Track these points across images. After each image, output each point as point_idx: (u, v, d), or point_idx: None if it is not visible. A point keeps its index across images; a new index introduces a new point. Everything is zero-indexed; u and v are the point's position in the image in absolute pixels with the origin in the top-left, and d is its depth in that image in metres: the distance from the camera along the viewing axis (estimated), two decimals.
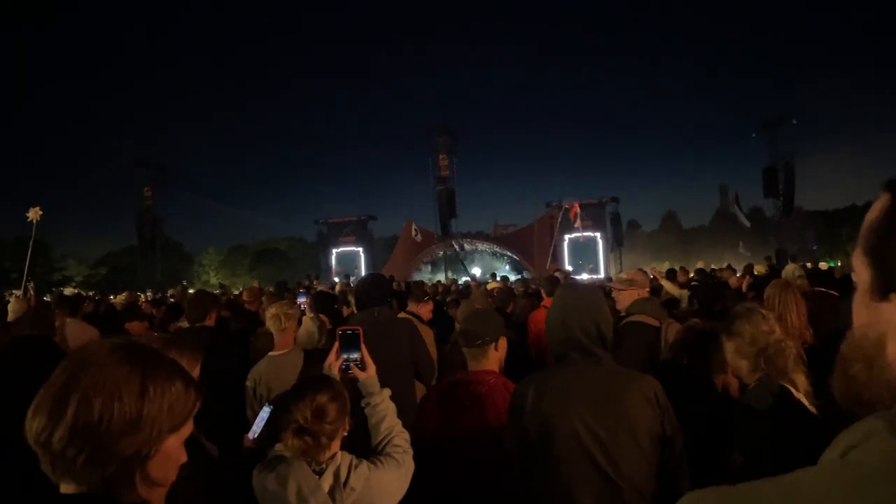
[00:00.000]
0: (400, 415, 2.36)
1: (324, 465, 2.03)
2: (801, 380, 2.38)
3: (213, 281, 49.08)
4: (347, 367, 2.36)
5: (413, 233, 30.47)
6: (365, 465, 2.10)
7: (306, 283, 15.38)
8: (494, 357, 2.80)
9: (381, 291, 4.27)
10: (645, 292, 4.39)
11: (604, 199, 33.14)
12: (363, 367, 2.38)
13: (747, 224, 25.11)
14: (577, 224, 23.89)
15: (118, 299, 13.61)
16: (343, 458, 2.07)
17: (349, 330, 2.40)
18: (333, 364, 2.38)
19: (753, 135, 31.04)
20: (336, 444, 2.07)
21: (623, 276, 4.70)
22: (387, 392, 2.40)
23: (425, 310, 5.83)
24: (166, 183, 32.94)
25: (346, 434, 2.11)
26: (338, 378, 2.30)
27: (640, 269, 5.79)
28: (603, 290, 3.84)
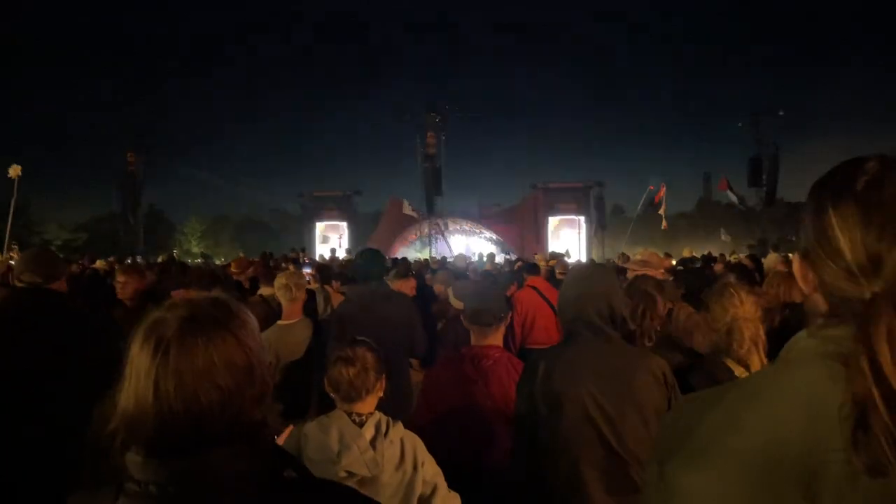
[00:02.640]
0: (394, 388, 2.42)
1: (364, 418, 2.10)
2: (755, 360, 2.48)
3: (195, 250, 48.65)
4: None
5: (408, 209, 30.24)
6: (401, 424, 2.17)
7: (293, 255, 15.34)
8: (500, 333, 2.88)
9: (379, 267, 4.33)
10: (660, 273, 4.44)
11: (589, 183, 33.24)
12: None
13: (740, 206, 25.17)
14: (662, 211, 22.74)
15: (99, 265, 13.48)
16: (381, 416, 2.15)
17: None
18: None
19: (740, 124, 31.24)
20: (373, 401, 2.16)
21: (638, 257, 4.78)
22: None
23: (408, 286, 5.89)
24: (150, 149, 32.44)
25: (381, 395, 2.19)
26: None
27: (654, 252, 5.86)
28: (617, 270, 3.92)
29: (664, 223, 21.27)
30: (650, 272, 4.41)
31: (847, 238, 0.76)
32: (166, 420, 0.99)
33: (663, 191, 20.82)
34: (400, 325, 4.01)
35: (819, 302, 0.84)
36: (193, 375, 1.00)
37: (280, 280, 3.89)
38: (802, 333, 0.83)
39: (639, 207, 22.02)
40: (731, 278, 4.35)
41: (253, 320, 1.13)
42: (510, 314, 2.93)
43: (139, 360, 1.02)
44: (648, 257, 4.77)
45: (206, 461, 0.98)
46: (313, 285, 5.21)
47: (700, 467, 0.77)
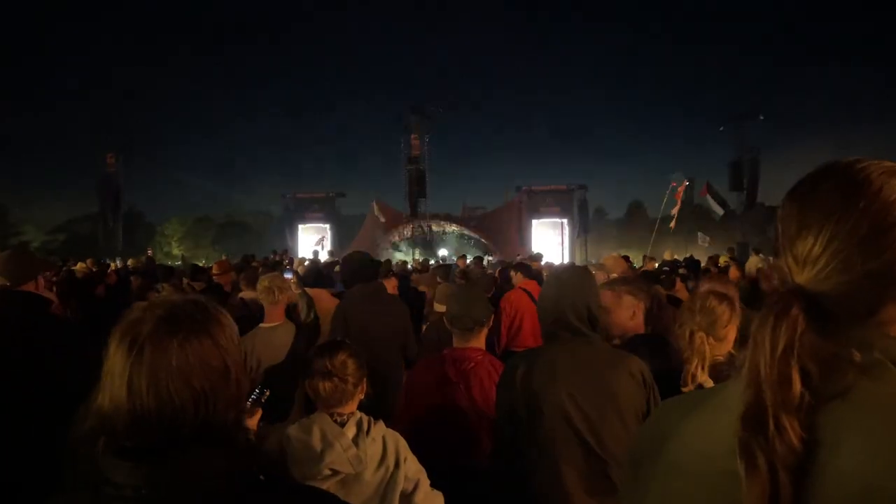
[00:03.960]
0: (388, 388, 2.43)
1: (345, 418, 2.11)
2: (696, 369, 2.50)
3: (176, 252, 48.19)
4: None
5: (376, 213, 30.28)
6: (382, 423, 2.19)
7: (275, 258, 15.23)
8: (482, 336, 2.89)
9: (371, 270, 4.44)
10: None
11: (572, 186, 33.46)
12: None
13: (720, 211, 25.20)
14: (675, 210, 22.43)
15: (79, 267, 13.31)
16: (363, 415, 2.17)
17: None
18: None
19: (721, 129, 31.59)
20: (355, 402, 2.18)
21: (600, 262, 4.94)
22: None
23: (389, 286, 5.94)
24: (129, 150, 32.15)
25: (362, 398, 2.20)
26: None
27: (615, 256, 5.96)
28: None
29: (673, 223, 20.95)
30: (601, 276, 4.54)
31: (782, 236, 0.80)
32: (139, 418, 0.99)
33: (683, 189, 20.29)
34: (399, 329, 4.23)
35: None
36: (167, 374, 1.01)
37: (262, 283, 3.87)
38: None
39: (662, 206, 21.65)
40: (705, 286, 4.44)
41: (232, 323, 1.13)
42: (492, 318, 2.94)
43: (115, 358, 1.03)
44: (606, 261, 4.97)
45: (180, 464, 0.98)
46: (295, 290, 5.19)
47: (657, 472, 0.82)
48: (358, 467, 2.02)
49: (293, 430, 2.08)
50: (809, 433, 0.68)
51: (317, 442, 2.01)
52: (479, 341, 2.87)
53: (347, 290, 4.57)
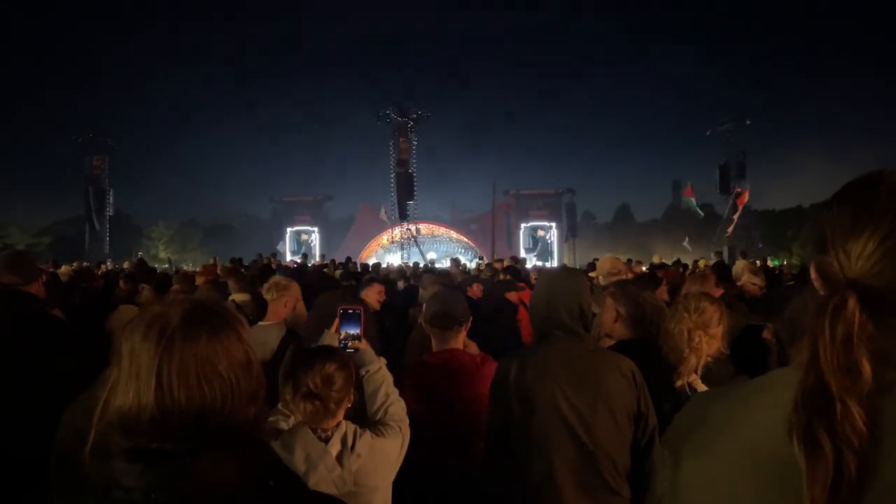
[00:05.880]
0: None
1: (330, 433, 2.04)
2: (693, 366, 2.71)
3: (163, 255, 47.83)
4: (346, 345, 2.41)
5: (382, 216, 30.19)
6: (369, 433, 2.13)
7: (263, 261, 15.16)
8: (461, 337, 2.90)
9: (333, 280, 4.55)
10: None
11: (560, 190, 33.67)
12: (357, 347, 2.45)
13: (700, 214, 25.40)
14: (739, 209, 22.43)
15: (63, 270, 13.17)
16: (348, 427, 2.09)
17: (350, 309, 2.48)
18: (332, 337, 2.44)
19: (708, 132, 31.87)
20: (341, 414, 2.10)
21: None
22: (383, 361, 2.45)
23: (374, 292, 5.95)
24: (115, 151, 31.93)
25: (349, 406, 2.13)
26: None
27: (614, 258, 6.08)
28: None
29: (731, 228, 21.10)
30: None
31: (830, 235, 0.84)
32: (167, 414, 0.99)
33: (746, 194, 20.37)
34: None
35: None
36: (197, 364, 1.01)
37: (269, 280, 4.03)
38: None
39: (726, 212, 21.64)
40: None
41: (245, 322, 1.16)
42: (471, 318, 2.95)
43: (141, 352, 1.02)
44: (600, 263, 5.32)
45: (191, 469, 0.98)
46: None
47: (700, 460, 0.87)
48: (343, 488, 1.97)
49: (276, 448, 1.97)
50: (871, 419, 0.71)
51: (300, 463, 1.94)
52: (458, 342, 2.87)
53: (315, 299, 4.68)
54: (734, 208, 21.52)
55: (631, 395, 2.26)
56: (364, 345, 2.46)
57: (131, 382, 1.01)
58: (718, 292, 4.28)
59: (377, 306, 6.02)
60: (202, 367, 1.02)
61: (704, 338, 2.66)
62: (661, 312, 3.75)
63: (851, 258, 0.80)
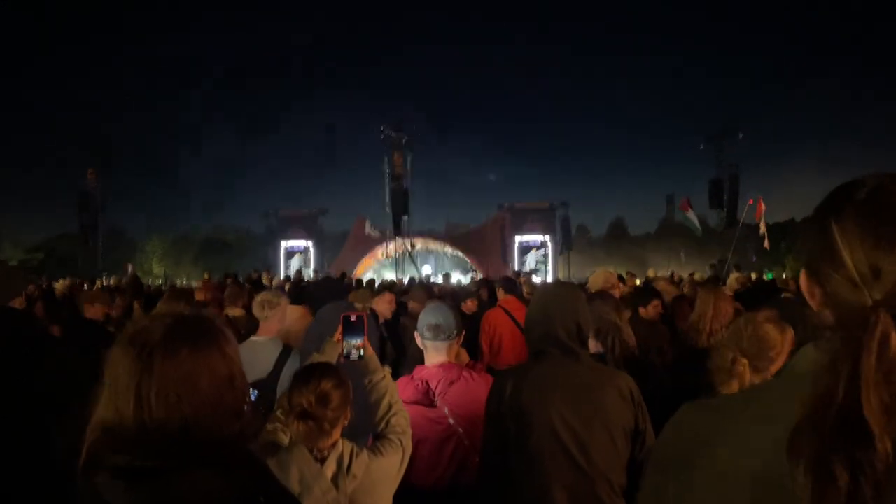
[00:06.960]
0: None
1: (326, 453, 2.00)
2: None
3: (157, 270, 47.62)
4: (349, 355, 2.38)
5: (367, 229, 30.25)
6: (366, 453, 2.09)
7: (255, 276, 15.12)
8: (454, 351, 2.87)
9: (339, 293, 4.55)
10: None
11: (554, 203, 33.72)
12: (363, 354, 2.41)
13: (699, 228, 25.29)
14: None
15: (59, 285, 13.13)
16: (345, 446, 2.05)
17: (353, 316, 2.43)
18: (334, 345, 2.43)
19: (701, 146, 31.95)
20: (337, 432, 2.06)
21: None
22: (388, 370, 2.42)
23: (384, 301, 5.99)
24: (109, 166, 31.87)
25: (346, 423, 2.09)
26: (339, 361, 2.34)
27: (608, 272, 6.10)
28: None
29: (766, 242, 20.83)
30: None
31: (847, 248, 0.77)
32: (146, 430, 0.98)
33: (761, 205, 20.03)
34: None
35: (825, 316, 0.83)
36: (177, 381, 1.00)
37: (258, 297, 3.96)
38: (810, 346, 0.85)
39: (764, 228, 21.27)
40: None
41: (233, 336, 1.14)
42: (463, 334, 2.92)
43: (120, 367, 1.01)
44: (593, 277, 5.37)
45: (174, 485, 0.96)
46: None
47: (685, 475, 0.85)
48: None
49: (271, 467, 1.97)
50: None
51: (294, 484, 1.89)
52: (451, 355, 2.83)
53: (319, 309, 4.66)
54: (752, 220, 21.32)
55: (629, 412, 2.23)
56: (370, 351, 2.43)
57: (112, 399, 1.01)
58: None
59: (388, 315, 6.04)
60: (182, 383, 1.00)
61: (748, 368, 2.32)
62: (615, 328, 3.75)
63: (883, 276, 0.73)
